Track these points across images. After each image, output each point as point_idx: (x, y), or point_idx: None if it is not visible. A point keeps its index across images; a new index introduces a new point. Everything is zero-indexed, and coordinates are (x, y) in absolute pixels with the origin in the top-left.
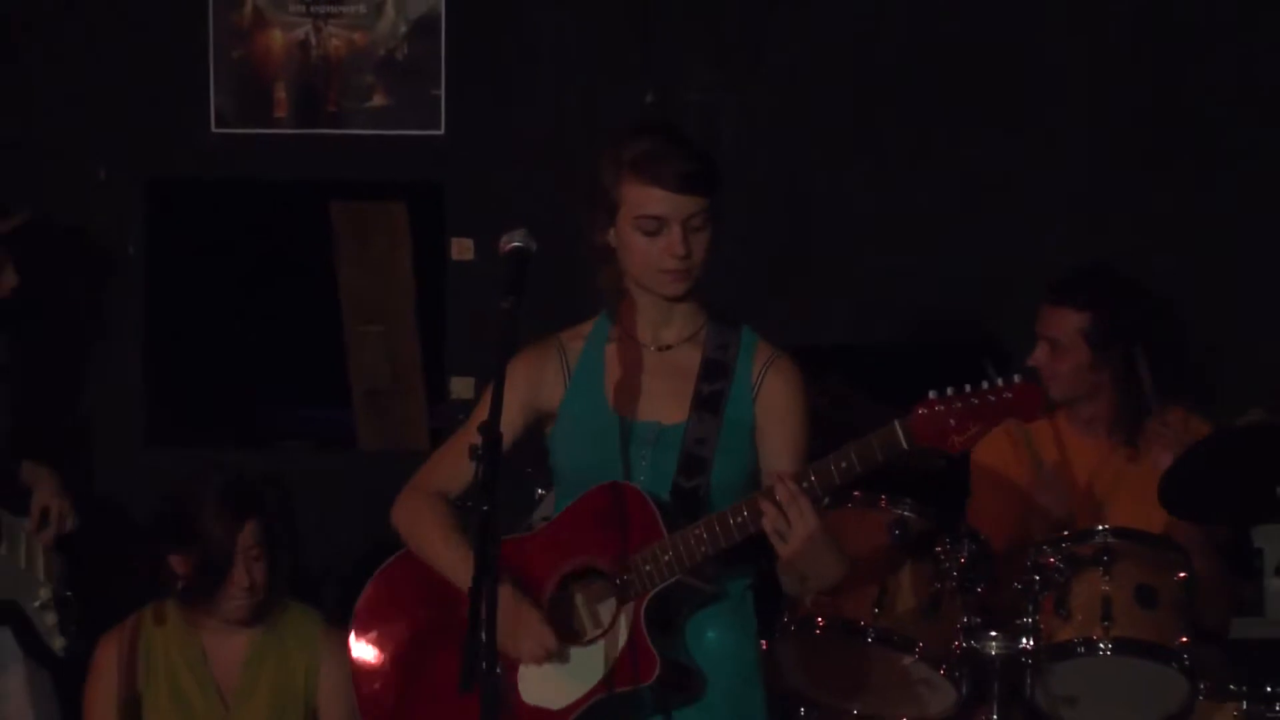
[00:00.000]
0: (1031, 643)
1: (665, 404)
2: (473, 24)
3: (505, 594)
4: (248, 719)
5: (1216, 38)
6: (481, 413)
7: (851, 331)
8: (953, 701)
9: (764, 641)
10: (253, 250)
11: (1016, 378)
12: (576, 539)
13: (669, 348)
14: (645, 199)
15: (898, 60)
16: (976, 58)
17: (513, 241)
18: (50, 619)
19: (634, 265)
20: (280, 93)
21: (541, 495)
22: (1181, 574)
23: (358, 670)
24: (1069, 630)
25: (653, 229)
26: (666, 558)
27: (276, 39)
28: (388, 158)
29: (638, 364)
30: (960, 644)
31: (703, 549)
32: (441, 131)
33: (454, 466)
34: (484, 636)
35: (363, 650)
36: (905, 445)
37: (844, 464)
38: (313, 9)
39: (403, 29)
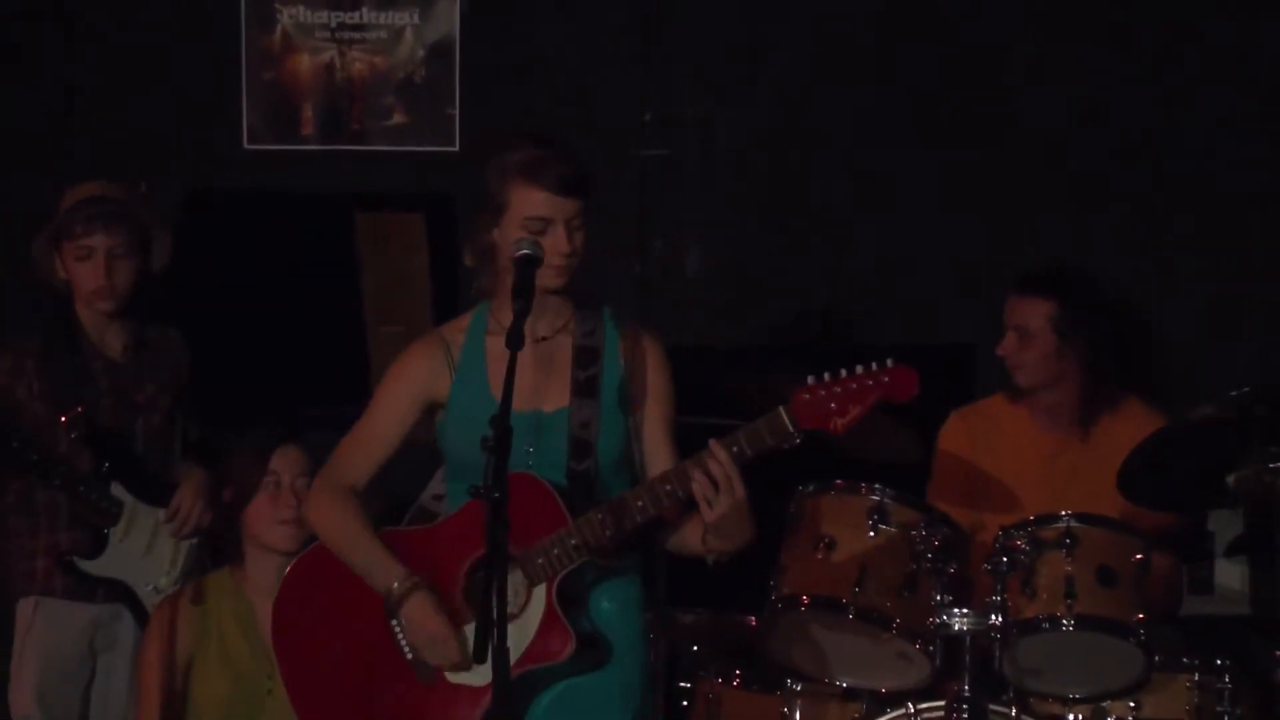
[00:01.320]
0: (1000, 619)
1: (544, 392)
2: (484, 49)
3: (423, 604)
4: None
5: (1212, 37)
6: (379, 405)
7: (847, 336)
8: (928, 673)
9: (752, 619)
10: (281, 257)
11: (890, 361)
12: (481, 529)
13: (544, 339)
14: (532, 201)
15: (893, 73)
16: (973, 65)
17: (521, 249)
18: None
19: None
20: (307, 111)
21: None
22: (1139, 556)
23: (280, 648)
24: (1035, 607)
25: (539, 229)
26: (573, 541)
27: (304, 62)
28: (406, 172)
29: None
30: (934, 620)
31: (607, 530)
32: (456, 148)
33: (359, 459)
34: (494, 614)
35: (284, 630)
36: (791, 429)
37: (735, 448)
38: (338, 34)
39: (420, 53)
